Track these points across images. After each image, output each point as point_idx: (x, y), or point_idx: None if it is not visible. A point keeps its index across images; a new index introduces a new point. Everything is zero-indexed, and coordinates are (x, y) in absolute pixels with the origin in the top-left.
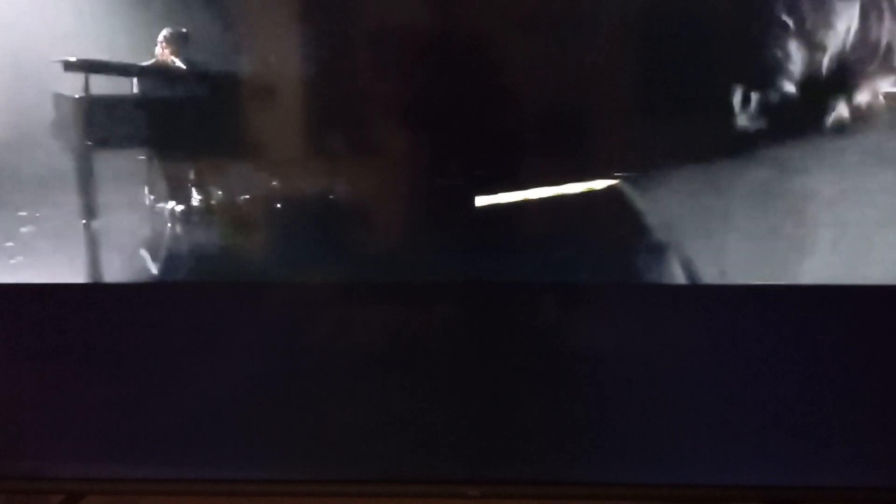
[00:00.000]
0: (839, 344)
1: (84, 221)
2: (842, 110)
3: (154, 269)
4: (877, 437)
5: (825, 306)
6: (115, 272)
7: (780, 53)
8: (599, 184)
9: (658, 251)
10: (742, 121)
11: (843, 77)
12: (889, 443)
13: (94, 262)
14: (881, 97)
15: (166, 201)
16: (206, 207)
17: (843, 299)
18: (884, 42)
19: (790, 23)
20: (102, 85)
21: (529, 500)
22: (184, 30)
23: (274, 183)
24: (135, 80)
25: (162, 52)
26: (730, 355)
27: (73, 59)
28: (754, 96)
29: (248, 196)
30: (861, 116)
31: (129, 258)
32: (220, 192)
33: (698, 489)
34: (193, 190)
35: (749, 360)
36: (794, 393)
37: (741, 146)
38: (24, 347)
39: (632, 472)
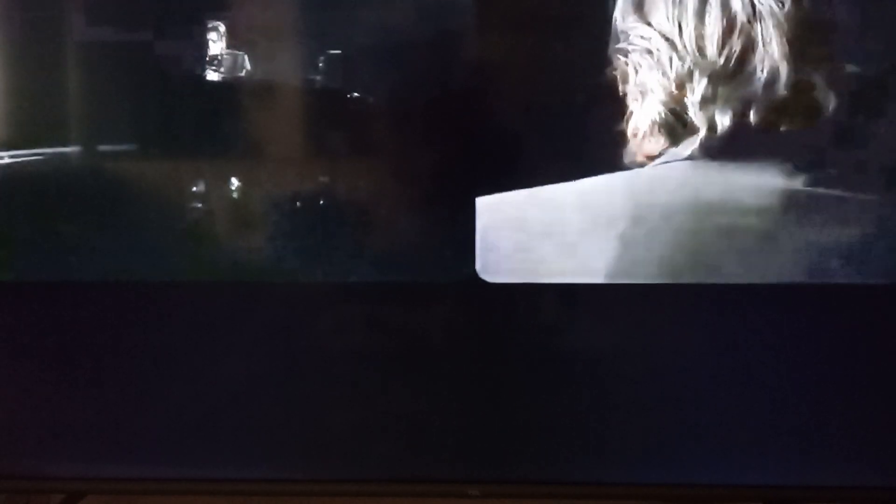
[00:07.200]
0: (839, 344)
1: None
2: None
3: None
4: (877, 437)
5: (826, 305)
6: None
7: None
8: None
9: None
10: None
11: None
12: (889, 443)
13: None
14: None
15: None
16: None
17: (843, 298)
18: None
19: None
20: None
21: (530, 500)
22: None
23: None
24: None
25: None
26: (730, 355)
27: None
28: None
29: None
30: None
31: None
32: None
33: (698, 489)
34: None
35: (749, 359)
36: (795, 392)
37: None
38: (23, 347)
39: (632, 472)
